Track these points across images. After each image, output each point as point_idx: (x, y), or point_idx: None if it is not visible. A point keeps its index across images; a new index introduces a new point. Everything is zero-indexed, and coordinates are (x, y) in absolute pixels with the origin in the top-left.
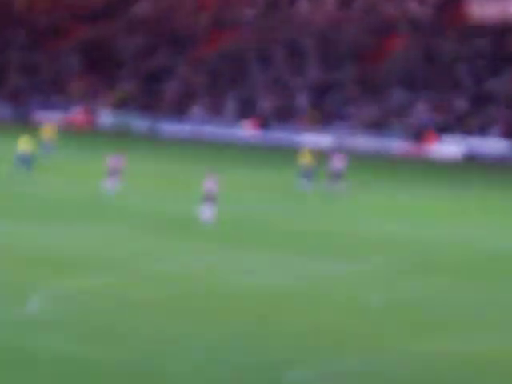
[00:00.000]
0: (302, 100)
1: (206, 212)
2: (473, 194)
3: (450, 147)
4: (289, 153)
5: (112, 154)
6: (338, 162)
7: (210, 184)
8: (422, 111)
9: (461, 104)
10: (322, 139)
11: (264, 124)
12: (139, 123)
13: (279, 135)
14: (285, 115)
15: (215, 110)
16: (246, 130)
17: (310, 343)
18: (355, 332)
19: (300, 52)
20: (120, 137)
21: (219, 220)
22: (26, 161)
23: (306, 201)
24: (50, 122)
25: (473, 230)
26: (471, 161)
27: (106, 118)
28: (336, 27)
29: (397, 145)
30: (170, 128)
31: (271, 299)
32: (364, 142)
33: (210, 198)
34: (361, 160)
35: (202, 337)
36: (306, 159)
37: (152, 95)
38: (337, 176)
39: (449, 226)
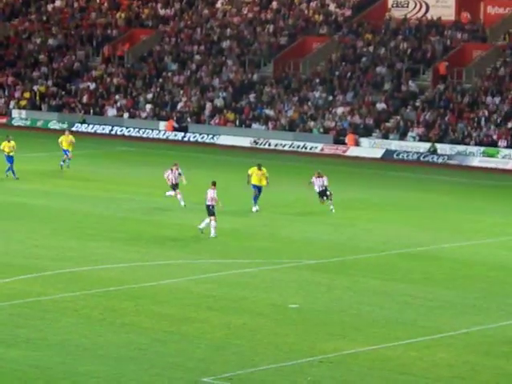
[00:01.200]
0: (220, 101)
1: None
2: (391, 195)
3: (368, 149)
4: (208, 153)
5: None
6: (318, 184)
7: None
8: (340, 112)
9: (380, 105)
10: (240, 140)
11: (181, 125)
12: (55, 123)
13: (196, 136)
14: (202, 116)
15: (131, 110)
16: (163, 131)
17: (225, 345)
18: (270, 333)
19: (218, 52)
20: (36, 137)
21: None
22: None
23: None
24: None
25: (391, 231)
26: (390, 162)
27: (21, 117)
28: (254, 27)
29: (315, 146)
30: (87, 128)
31: (189, 301)
32: (282, 143)
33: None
34: (278, 162)
35: (118, 339)
36: (255, 179)
37: (67, 95)
38: (321, 196)
39: (367, 227)
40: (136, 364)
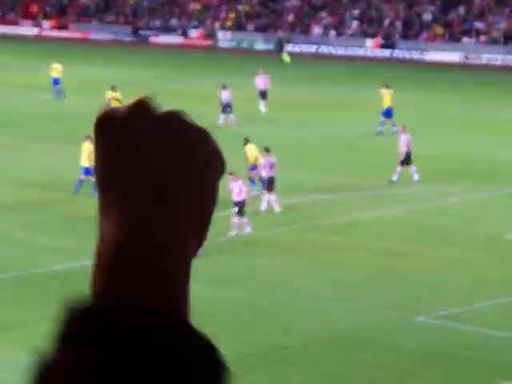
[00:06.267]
0: (428, 15)
1: None
2: None
3: None
4: (416, 70)
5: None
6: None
7: None
8: None
9: None
10: (449, 56)
11: (388, 41)
12: (260, 44)
13: (404, 52)
14: (410, 31)
15: (337, 28)
16: (370, 48)
17: (440, 281)
18: (487, 267)
19: None
20: (241, 59)
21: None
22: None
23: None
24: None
25: None
26: None
27: (226, 39)
28: None
29: None
30: (293, 48)
31: (400, 235)
32: (493, 57)
33: None
34: (488, 76)
35: (327, 276)
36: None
37: (272, 14)
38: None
39: None
40: (349, 300)
